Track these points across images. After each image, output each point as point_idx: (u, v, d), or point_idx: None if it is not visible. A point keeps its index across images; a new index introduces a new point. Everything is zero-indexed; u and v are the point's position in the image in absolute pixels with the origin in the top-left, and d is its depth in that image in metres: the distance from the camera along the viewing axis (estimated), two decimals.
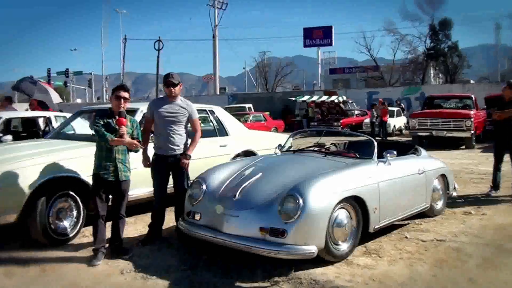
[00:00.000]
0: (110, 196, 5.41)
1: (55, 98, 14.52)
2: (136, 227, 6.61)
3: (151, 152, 5.95)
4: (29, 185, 5.43)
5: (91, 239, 5.79)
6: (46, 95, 14.03)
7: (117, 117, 5.30)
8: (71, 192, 5.89)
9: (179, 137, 5.83)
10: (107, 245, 5.38)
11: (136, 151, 5.51)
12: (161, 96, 6.36)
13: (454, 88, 32.33)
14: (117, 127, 5.25)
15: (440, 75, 53.16)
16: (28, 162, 5.61)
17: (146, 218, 6.78)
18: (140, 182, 6.32)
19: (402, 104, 31.16)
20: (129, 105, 5.59)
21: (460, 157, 15.05)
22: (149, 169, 5.94)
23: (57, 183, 5.71)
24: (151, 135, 6.07)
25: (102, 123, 5.24)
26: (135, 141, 5.32)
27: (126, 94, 5.37)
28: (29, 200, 5.44)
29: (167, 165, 5.84)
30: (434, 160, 7.33)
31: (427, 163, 6.82)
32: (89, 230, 6.07)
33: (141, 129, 5.83)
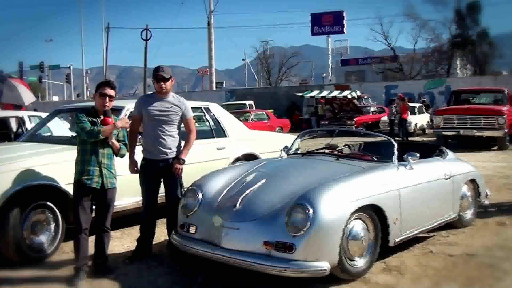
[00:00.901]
0: (94, 207, 5.41)
1: (28, 97, 14.11)
2: (122, 241, 6.61)
3: (139, 156, 5.95)
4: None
5: (71, 255, 5.77)
6: (15, 94, 13.52)
7: (101, 116, 5.31)
8: (48, 203, 5.89)
9: (171, 139, 5.82)
10: (90, 263, 5.37)
11: (122, 156, 5.51)
12: (149, 92, 6.37)
13: (484, 81, 32.29)
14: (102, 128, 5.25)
15: (467, 66, 53.12)
16: None
17: (134, 231, 6.79)
18: (127, 191, 6.32)
19: (426, 100, 31.13)
20: (113, 103, 5.59)
21: (493, 159, 15.04)
22: (137, 176, 5.94)
23: (31, 192, 5.71)
24: (139, 136, 6.07)
25: (86, 120, 5.24)
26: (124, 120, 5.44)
27: (112, 92, 5.39)
28: None
29: (158, 171, 5.83)
30: (463, 163, 7.32)
31: (454, 167, 6.81)
32: (69, 245, 6.07)
33: (127, 130, 5.83)
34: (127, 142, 5.59)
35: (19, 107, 13.50)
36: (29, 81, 58.93)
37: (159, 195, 5.97)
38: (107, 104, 5.34)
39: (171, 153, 5.82)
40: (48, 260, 5.81)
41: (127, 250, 6.18)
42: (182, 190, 5.92)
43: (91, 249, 5.43)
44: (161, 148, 5.77)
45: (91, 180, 5.23)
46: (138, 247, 5.93)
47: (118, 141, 5.44)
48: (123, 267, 5.55)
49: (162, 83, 5.77)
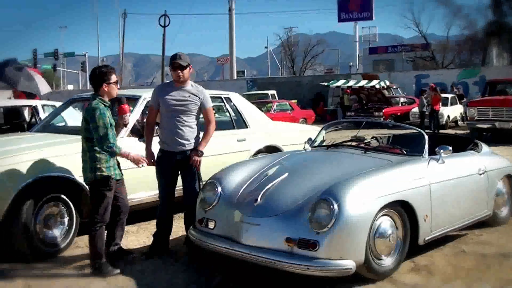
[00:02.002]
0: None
1: (44, 88, 14.41)
2: (138, 237, 6.66)
3: (155, 147, 5.98)
4: (11, 187, 5.50)
5: (85, 250, 5.85)
6: (32, 84, 13.85)
7: (116, 104, 5.39)
8: (62, 196, 5.95)
9: (189, 130, 5.82)
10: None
11: (142, 139, 5.71)
12: (167, 81, 6.40)
13: None
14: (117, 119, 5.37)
15: (504, 55, 52.45)
16: (11, 160, 5.67)
17: (151, 226, 6.83)
18: (142, 184, 6.36)
19: (460, 90, 30.77)
20: (130, 92, 5.65)
21: None
22: (153, 169, 5.97)
23: (44, 184, 5.77)
24: (156, 127, 6.10)
25: (108, 119, 5.29)
26: (141, 157, 5.48)
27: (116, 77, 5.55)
28: (11, 205, 5.50)
29: (175, 163, 5.85)
30: (498, 158, 7.24)
31: (489, 162, 6.73)
32: (82, 240, 6.14)
33: (145, 120, 5.90)
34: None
35: (32, 96, 13.65)
36: (43, 69, 59.65)
37: (176, 188, 5.99)
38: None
39: (189, 145, 5.82)
40: (61, 255, 5.87)
41: (142, 246, 6.22)
42: (201, 183, 5.93)
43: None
44: (178, 139, 5.78)
45: (116, 173, 5.41)
46: (155, 242, 5.96)
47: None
48: (139, 264, 5.59)
49: (179, 71, 5.76)
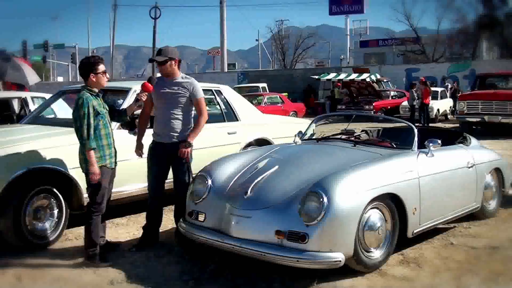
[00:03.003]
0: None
1: (32, 78, 14.31)
2: (128, 229, 6.66)
3: (147, 140, 5.97)
4: (0, 179, 5.48)
5: (75, 242, 5.87)
6: (19, 74, 13.75)
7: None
8: (52, 188, 5.93)
9: (180, 122, 5.84)
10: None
11: (132, 131, 5.83)
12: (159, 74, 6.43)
13: (511, 65, 31.97)
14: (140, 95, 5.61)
15: (494, 48, 52.54)
16: (0, 152, 5.65)
17: (140, 218, 6.83)
18: (134, 176, 6.36)
19: (455, 84, 30.62)
20: (120, 84, 5.65)
21: None
22: (144, 161, 5.97)
23: (34, 177, 5.76)
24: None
25: (90, 110, 5.24)
26: (96, 175, 5.24)
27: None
28: (1, 196, 5.48)
29: (166, 155, 5.86)
30: (487, 151, 7.29)
31: (478, 155, 6.77)
32: (72, 232, 6.14)
33: (135, 112, 5.92)
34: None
35: (22, 87, 13.58)
36: (33, 60, 59.24)
37: (167, 181, 5.99)
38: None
39: (180, 137, 5.83)
40: (51, 247, 5.87)
41: (132, 238, 6.22)
42: (191, 175, 5.93)
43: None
44: (169, 131, 5.81)
45: (112, 162, 5.46)
46: (144, 234, 5.97)
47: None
48: (130, 256, 5.59)
49: (161, 66, 5.85)
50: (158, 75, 6.46)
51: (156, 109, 5.94)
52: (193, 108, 5.99)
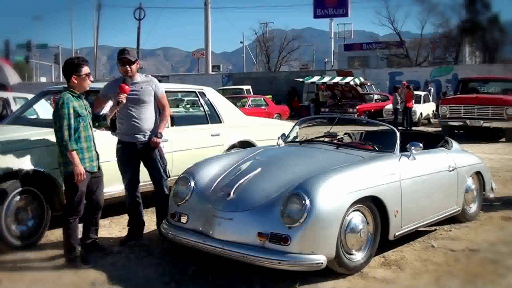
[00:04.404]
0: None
1: (14, 78, 14.26)
2: (110, 231, 6.63)
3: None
4: None
5: (56, 244, 5.82)
6: (0, 74, 13.73)
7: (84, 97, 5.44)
8: (33, 189, 5.89)
9: (147, 121, 5.96)
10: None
11: (114, 133, 5.81)
12: (116, 77, 6.47)
13: (493, 69, 32.27)
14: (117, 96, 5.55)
15: (477, 53, 53.07)
16: None
17: (122, 220, 6.81)
18: (114, 178, 6.33)
19: (447, 87, 30.71)
20: (96, 85, 5.64)
21: (500, 151, 15.08)
22: None
23: (16, 178, 5.71)
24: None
25: (70, 111, 5.22)
26: (80, 174, 5.21)
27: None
28: None
29: (136, 154, 5.98)
30: (468, 155, 7.34)
31: (459, 159, 6.82)
32: (54, 233, 6.10)
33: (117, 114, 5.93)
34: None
35: (4, 88, 13.51)
36: (16, 60, 58.74)
37: (146, 183, 6.02)
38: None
39: (148, 135, 5.96)
40: (32, 248, 5.81)
41: (115, 239, 6.20)
42: (167, 170, 6.07)
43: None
44: (137, 131, 5.92)
45: (92, 165, 5.41)
46: (131, 230, 6.09)
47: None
48: (111, 257, 5.57)
49: (127, 66, 5.87)
50: (116, 78, 6.50)
51: (119, 110, 5.96)
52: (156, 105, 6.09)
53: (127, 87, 5.65)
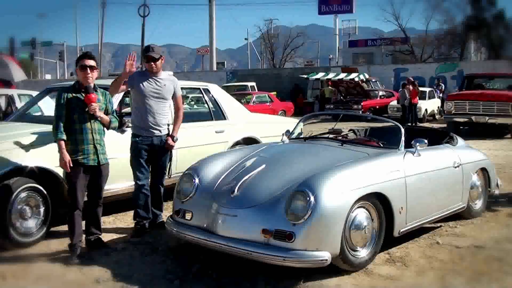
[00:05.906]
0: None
1: (19, 75, 14.28)
2: (115, 228, 6.62)
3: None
4: None
5: (60, 241, 5.82)
6: (5, 71, 13.77)
7: (84, 92, 5.41)
8: (38, 186, 5.89)
9: (164, 116, 6.21)
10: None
11: (114, 128, 5.73)
12: (142, 70, 6.56)
13: (499, 66, 31.98)
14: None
15: (482, 50, 52.85)
16: None
17: (127, 217, 6.82)
18: (120, 175, 6.34)
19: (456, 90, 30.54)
20: (107, 82, 5.64)
21: (505, 148, 15.01)
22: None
23: (21, 174, 5.72)
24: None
25: (62, 101, 5.34)
26: (66, 164, 5.28)
27: (92, 62, 5.48)
28: None
29: (152, 147, 6.13)
30: (473, 151, 7.32)
31: (464, 155, 6.80)
32: (58, 230, 6.11)
33: (123, 110, 5.96)
34: (115, 116, 5.79)
35: (9, 84, 13.53)
36: (21, 58, 58.75)
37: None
38: (90, 75, 5.41)
39: (164, 130, 6.19)
40: (37, 245, 5.82)
41: (119, 237, 6.20)
42: (170, 168, 6.43)
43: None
44: (154, 125, 6.11)
45: (87, 158, 5.40)
46: (138, 223, 6.23)
47: (107, 114, 5.58)
48: (115, 255, 5.57)
49: (152, 63, 6.06)
50: (141, 70, 6.56)
51: (136, 104, 6.13)
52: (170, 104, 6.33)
53: (93, 95, 5.39)
